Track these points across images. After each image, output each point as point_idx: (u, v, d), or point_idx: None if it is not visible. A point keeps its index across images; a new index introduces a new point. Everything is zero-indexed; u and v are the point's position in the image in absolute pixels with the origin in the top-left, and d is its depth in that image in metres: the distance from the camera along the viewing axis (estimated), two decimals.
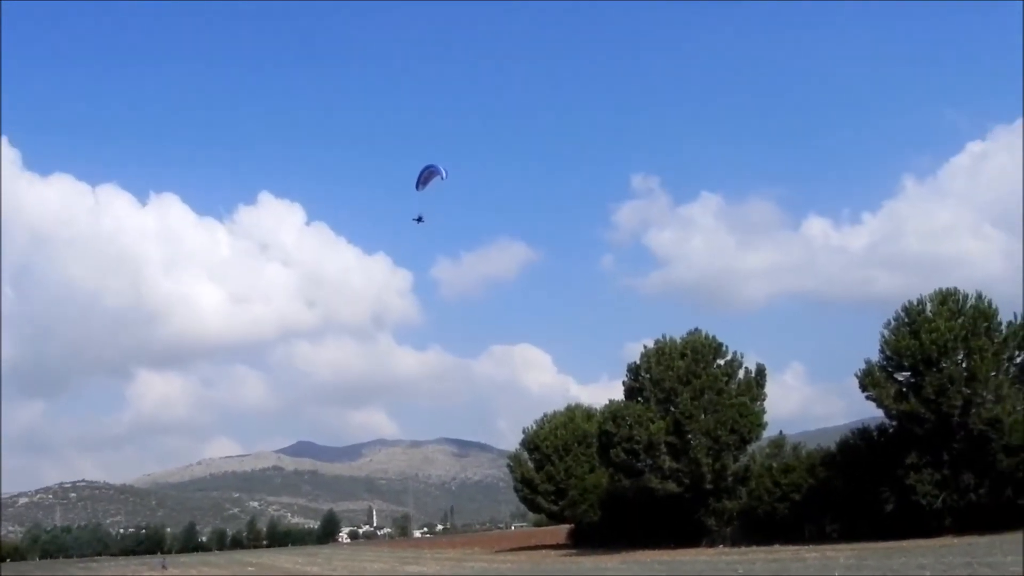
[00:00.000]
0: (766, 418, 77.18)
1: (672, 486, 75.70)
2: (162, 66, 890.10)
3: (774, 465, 75.78)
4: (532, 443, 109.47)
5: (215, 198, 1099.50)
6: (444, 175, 62.53)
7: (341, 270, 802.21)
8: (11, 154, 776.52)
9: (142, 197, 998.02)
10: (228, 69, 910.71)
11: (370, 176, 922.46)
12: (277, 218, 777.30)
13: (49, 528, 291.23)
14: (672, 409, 76.16)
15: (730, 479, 76.91)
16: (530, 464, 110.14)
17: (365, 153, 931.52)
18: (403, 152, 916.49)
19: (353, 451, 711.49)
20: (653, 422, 75.20)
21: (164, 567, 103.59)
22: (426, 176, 62.67)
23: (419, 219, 64.10)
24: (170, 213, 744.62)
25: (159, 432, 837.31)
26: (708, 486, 75.94)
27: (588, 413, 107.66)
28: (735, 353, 78.54)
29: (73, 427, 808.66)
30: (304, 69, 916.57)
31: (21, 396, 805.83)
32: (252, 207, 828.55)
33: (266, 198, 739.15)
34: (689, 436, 75.00)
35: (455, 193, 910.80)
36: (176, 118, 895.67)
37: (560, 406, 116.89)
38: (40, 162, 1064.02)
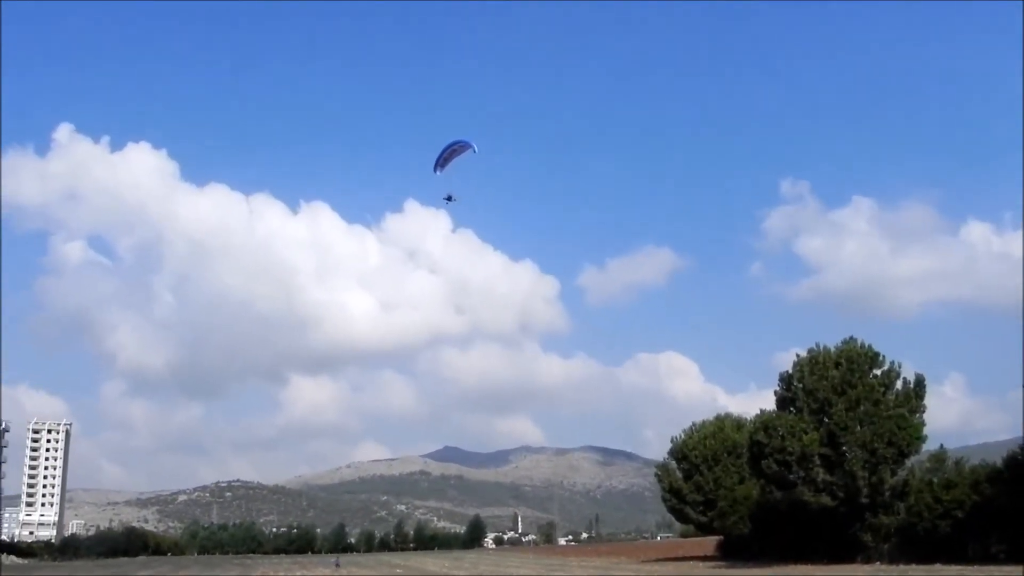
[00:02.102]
0: (925, 431, 74.32)
1: (826, 499, 73.58)
2: (312, 76, 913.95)
3: (935, 480, 72.75)
4: (680, 452, 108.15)
5: (363, 206, 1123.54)
6: (475, 149, 61.08)
7: (488, 277, 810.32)
8: (170, 166, 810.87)
9: (293, 206, 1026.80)
10: (374, 77, 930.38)
11: (516, 183, 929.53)
12: (424, 226, 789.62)
13: (206, 525, 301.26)
14: (826, 420, 73.96)
15: (887, 494, 74.28)
16: (678, 474, 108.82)
17: (510, 161, 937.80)
18: (549, 159, 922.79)
19: (499, 457, 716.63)
20: (806, 433, 73.23)
21: (337, 566, 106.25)
22: (448, 155, 61.27)
23: (449, 198, 62.83)
24: (321, 221, 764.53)
25: (310, 435, 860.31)
26: (864, 500, 73.51)
27: (738, 423, 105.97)
28: (892, 363, 75.81)
29: (229, 429, 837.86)
30: (450, 73, 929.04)
31: (181, 398, 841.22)
32: (399, 215, 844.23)
33: (412, 206, 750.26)
34: (844, 448, 72.72)
35: (601, 200, 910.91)
36: (325, 126, 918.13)
37: (707, 415, 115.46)
38: (197, 173, 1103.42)
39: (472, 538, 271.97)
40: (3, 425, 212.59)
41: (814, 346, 77.89)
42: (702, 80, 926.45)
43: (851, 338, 77.56)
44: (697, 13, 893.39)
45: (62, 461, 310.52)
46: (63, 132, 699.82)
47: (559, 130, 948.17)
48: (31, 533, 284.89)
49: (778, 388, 79.30)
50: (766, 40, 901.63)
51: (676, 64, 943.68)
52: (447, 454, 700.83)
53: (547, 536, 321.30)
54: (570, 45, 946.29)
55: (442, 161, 61.43)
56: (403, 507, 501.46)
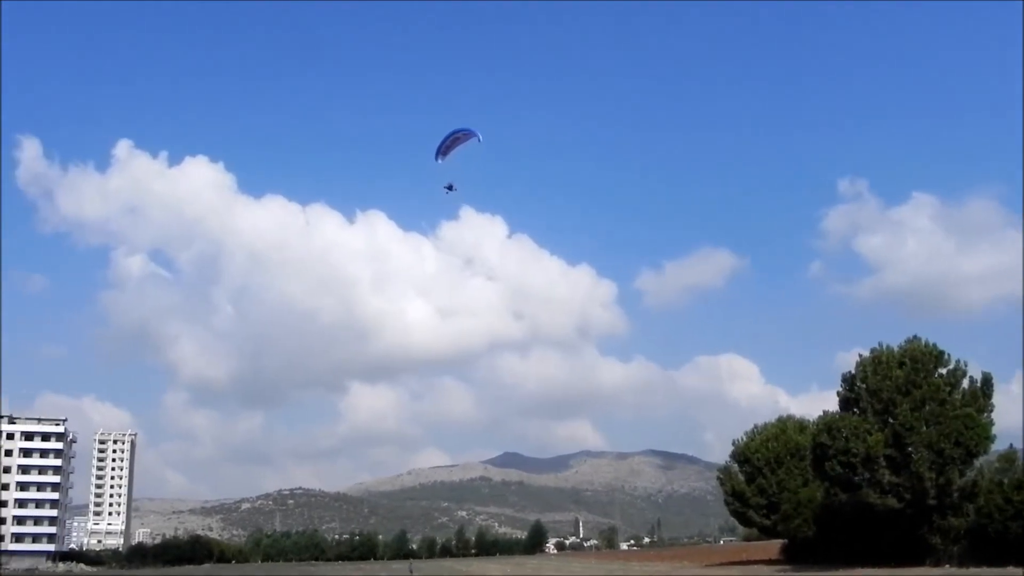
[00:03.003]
0: (994, 430, 72.81)
1: (892, 501, 72.47)
2: (364, 86, 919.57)
3: (1005, 481, 71.32)
4: (742, 455, 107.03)
5: (419, 214, 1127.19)
6: (480, 138, 59.86)
7: (545, 282, 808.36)
8: (227, 179, 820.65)
9: (349, 215, 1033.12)
10: (427, 85, 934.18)
11: (570, 187, 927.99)
12: (480, 232, 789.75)
13: (270, 533, 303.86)
14: (891, 421, 72.77)
15: (956, 495, 72.94)
16: (741, 477, 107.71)
17: (564, 165, 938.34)
18: (603, 162, 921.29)
19: (559, 462, 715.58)
20: (871, 434, 72.11)
21: (411, 571, 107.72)
22: (450, 143, 60.07)
23: (450, 187, 61.83)
24: (377, 230, 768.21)
25: (371, 443, 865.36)
26: (931, 502, 72.21)
27: (800, 425, 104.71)
28: (958, 361, 74.44)
29: (291, 437, 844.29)
30: (501, 80, 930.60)
31: (243, 408, 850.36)
32: (455, 222, 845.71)
33: (468, 212, 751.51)
34: (910, 449, 71.52)
35: (656, 203, 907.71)
36: (378, 136, 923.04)
37: (769, 417, 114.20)
38: (253, 185, 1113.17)
39: (533, 543, 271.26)
40: (70, 436, 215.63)
41: (877, 346, 76.81)
42: (757, 80, 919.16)
43: (915, 337, 76.37)
44: (748, 12, 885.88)
45: (128, 471, 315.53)
46: (122, 148, 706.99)
47: (612, 133, 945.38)
48: (99, 542, 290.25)
49: (841, 389, 78.30)
50: (820, 38, 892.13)
51: (730, 64, 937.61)
52: (507, 460, 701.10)
53: (609, 541, 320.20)
54: (623, 46, 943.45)
55: (444, 149, 60.46)
56: (464, 513, 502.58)
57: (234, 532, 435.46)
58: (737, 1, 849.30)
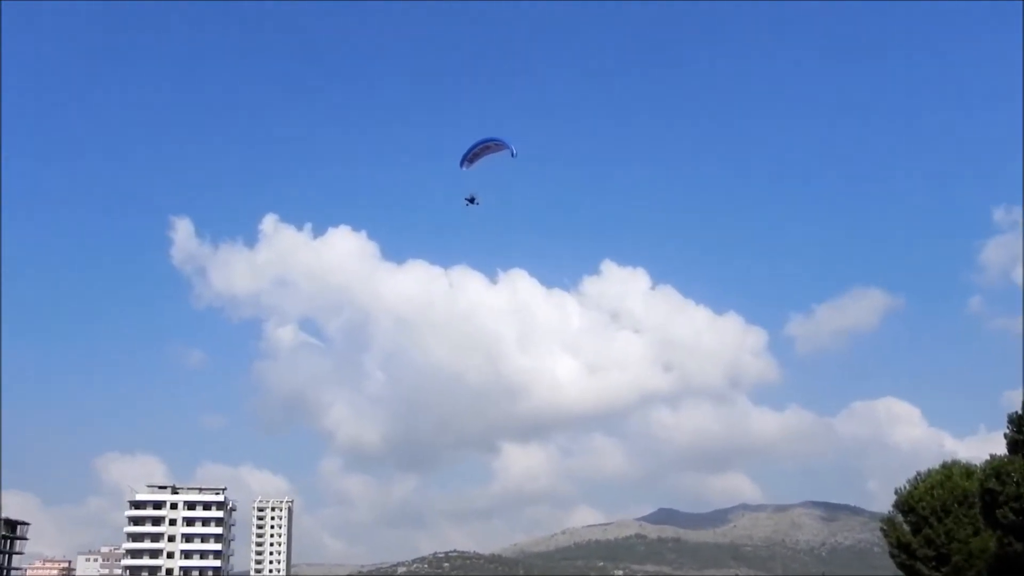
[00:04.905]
0: None
1: None
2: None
3: None
4: (906, 504, 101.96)
5: (560, 270, 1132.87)
6: (514, 152, 56.92)
7: (692, 333, 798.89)
8: (370, 247, 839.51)
9: (492, 275, 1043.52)
10: (559, 146, 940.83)
11: (711, 236, 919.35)
12: (623, 285, 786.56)
13: None
14: None
15: None
16: (905, 527, 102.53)
17: (705, 216, 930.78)
18: (743, 209, 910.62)
19: (716, 517, 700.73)
20: None
21: None
22: (479, 151, 57.17)
23: (471, 200, 59.11)
24: (520, 288, 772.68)
25: (524, 503, 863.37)
26: None
27: (967, 470, 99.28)
28: None
29: (445, 499, 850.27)
30: (637, 135, 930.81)
31: (397, 471, 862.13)
32: (596, 276, 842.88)
33: (609, 266, 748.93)
34: None
35: (801, 244, 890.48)
36: (514, 197, 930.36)
37: (934, 462, 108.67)
38: (396, 251, 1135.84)
39: None
40: (230, 505, 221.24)
41: None
42: (899, 110, 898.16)
43: None
44: (890, 48, 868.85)
45: (286, 537, 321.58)
46: (268, 223, 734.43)
47: (750, 180, 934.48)
48: None
49: (1008, 430, 74.07)
50: (966, 63, 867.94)
51: (874, 99, 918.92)
52: (662, 516, 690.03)
53: None
54: (762, 96, 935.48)
55: (471, 157, 58.21)
56: (620, 572, 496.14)
57: None
58: (876, 42, 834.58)
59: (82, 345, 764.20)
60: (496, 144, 57.87)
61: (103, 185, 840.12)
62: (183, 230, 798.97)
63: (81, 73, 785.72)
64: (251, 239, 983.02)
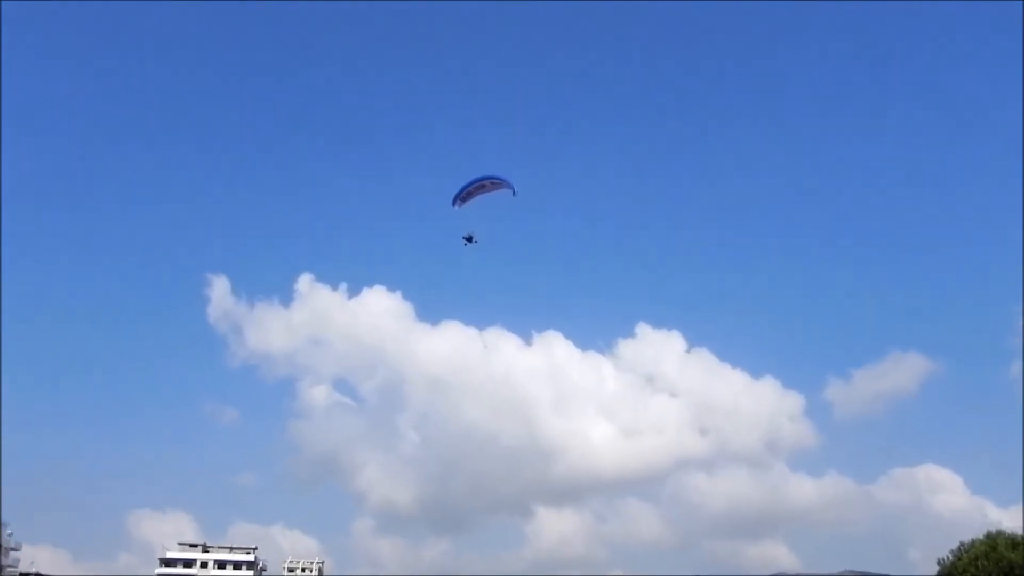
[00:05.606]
0: None
1: None
2: (527, 215, 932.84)
3: None
4: (950, 575, 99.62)
5: (595, 333, 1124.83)
6: (515, 191, 54.48)
7: (729, 396, 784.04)
8: (405, 307, 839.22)
9: (526, 337, 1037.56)
10: (586, 204, 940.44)
11: (747, 299, 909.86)
12: (658, 348, 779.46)
13: None
14: None
15: None
16: None
17: (741, 278, 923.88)
18: (778, 273, 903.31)
19: None
20: None
21: None
22: (472, 190, 54.86)
23: (469, 239, 56.74)
24: (555, 351, 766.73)
25: (558, 567, 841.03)
26: None
27: (1012, 541, 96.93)
28: None
29: (477, 563, 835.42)
30: (661, 196, 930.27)
31: (430, 534, 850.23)
32: (632, 339, 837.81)
33: (644, 329, 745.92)
34: None
35: (838, 308, 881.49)
36: (547, 259, 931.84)
37: (977, 532, 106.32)
38: (430, 312, 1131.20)
39: None
40: (260, 564, 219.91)
41: None
42: (935, 168, 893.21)
43: None
44: (913, 110, 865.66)
45: None
46: (304, 282, 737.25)
47: (784, 240, 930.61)
48: None
49: None
50: (997, 122, 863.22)
51: (917, 165, 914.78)
52: None
53: None
54: (793, 154, 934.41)
55: (464, 195, 56.06)
56: None
57: None
58: (930, 104, 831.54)
59: (117, 401, 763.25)
60: (492, 182, 55.69)
61: (143, 240, 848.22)
62: (220, 288, 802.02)
63: (120, 127, 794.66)
64: (287, 298, 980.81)
